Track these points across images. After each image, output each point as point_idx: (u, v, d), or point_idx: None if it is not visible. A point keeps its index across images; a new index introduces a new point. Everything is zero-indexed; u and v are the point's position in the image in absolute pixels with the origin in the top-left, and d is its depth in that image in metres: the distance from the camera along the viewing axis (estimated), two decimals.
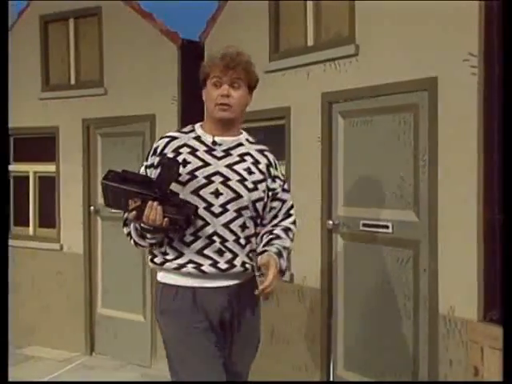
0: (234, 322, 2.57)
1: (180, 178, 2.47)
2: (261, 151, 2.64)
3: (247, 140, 2.64)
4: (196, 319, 2.49)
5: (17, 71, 5.98)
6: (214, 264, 2.48)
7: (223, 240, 2.49)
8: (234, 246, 2.51)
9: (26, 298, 6.00)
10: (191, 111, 5.09)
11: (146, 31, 5.23)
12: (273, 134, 4.33)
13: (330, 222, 4.03)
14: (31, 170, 6.07)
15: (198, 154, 2.53)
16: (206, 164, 2.51)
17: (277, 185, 2.63)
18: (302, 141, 4.20)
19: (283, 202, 2.66)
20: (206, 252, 2.48)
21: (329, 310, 4.09)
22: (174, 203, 2.41)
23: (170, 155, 2.52)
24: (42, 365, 5.53)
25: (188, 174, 2.49)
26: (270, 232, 2.61)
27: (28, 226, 6.14)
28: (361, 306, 3.90)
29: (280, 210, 2.65)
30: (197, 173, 2.50)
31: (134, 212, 2.38)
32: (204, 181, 2.48)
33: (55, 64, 5.87)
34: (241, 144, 2.60)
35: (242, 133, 2.67)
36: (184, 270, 2.48)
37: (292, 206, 2.70)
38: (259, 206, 2.57)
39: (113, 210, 2.59)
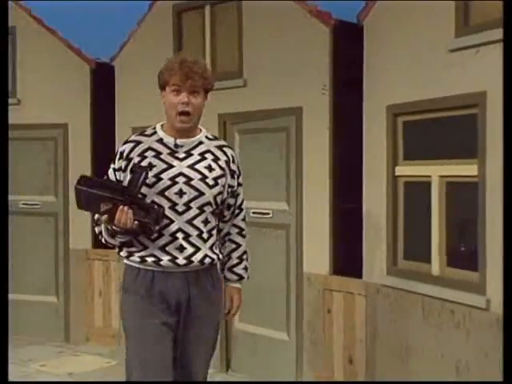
0: (190, 306, 2.64)
1: (147, 181, 2.57)
2: (220, 147, 2.74)
3: (206, 137, 2.74)
4: (152, 300, 2.62)
5: (149, 67, 5.38)
6: (173, 260, 2.61)
7: (187, 235, 2.62)
8: (196, 240, 2.63)
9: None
10: (345, 102, 4.28)
11: (292, 13, 4.42)
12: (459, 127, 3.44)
13: None
14: None
15: (162, 157, 2.63)
16: (170, 166, 2.62)
17: (235, 181, 2.76)
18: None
19: (237, 197, 2.80)
20: (167, 248, 2.61)
21: None
22: (143, 207, 2.53)
23: (136, 159, 2.63)
24: None
25: (154, 176, 2.61)
26: (230, 239, 2.85)
27: None
28: None
29: (235, 205, 2.80)
30: (162, 175, 2.62)
31: (106, 215, 2.52)
32: (169, 182, 2.60)
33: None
34: (201, 142, 2.70)
35: (201, 130, 2.76)
36: (145, 263, 2.63)
37: (243, 201, 2.87)
38: (219, 199, 2.69)
39: None
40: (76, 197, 2.54)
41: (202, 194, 2.62)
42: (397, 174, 3.82)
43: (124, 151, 2.67)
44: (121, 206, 2.47)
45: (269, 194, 4.66)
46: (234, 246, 2.86)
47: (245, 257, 2.91)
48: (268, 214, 4.66)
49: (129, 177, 2.58)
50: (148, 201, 2.60)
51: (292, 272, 4.49)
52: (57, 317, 5.90)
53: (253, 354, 4.80)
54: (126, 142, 2.69)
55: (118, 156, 2.68)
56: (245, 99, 4.74)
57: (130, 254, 2.66)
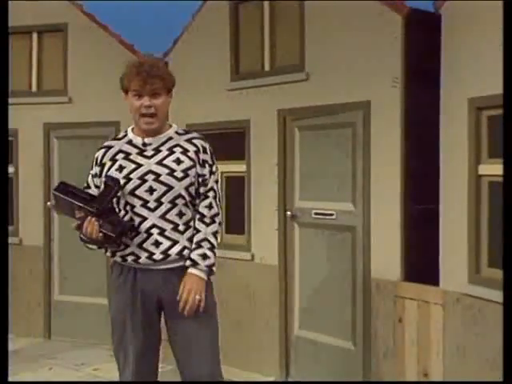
0: (173, 304, 2.64)
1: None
2: (189, 140, 2.75)
3: (176, 133, 2.76)
4: (134, 296, 2.68)
5: (204, 61, 5.09)
6: (150, 256, 2.66)
7: (161, 230, 2.65)
8: (172, 233, 2.66)
9: None
10: (418, 95, 3.90)
11: (361, 1, 4.07)
12: None
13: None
14: (220, 169, 5.07)
15: (131, 157, 2.68)
16: (139, 165, 2.66)
17: (206, 170, 2.71)
18: None
19: (207, 186, 2.72)
20: (144, 245, 2.66)
21: None
22: (110, 220, 2.56)
23: (108, 163, 2.71)
24: None
25: (124, 177, 2.67)
26: (194, 227, 2.71)
27: None
28: None
29: (203, 192, 2.72)
30: (131, 175, 2.66)
31: (76, 224, 2.61)
32: (138, 181, 2.65)
33: (247, 50, 4.87)
34: (170, 138, 2.72)
35: (171, 126, 2.78)
36: (127, 262, 2.71)
37: (211, 188, 2.74)
38: (192, 190, 2.68)
39: None
40: (54, 202, 2.70)
41: (171, 188, 2.65)
42: (480, 173, 3.44)
43: (98, 157, 2.78)
44: (89, 217, 2.56)
45: (332, 193, 4.31)
46: (193, 231, 2.72)
47: (204, 244, 2.69)
48: (331, 214, 4.30)
49: (102, 186, 2.67)
50: (122, 201, 2.68)
51: (358, 277, 4.12)
52: (109, 319, 5.64)
53: (314, 362, 4.46)
54: (100, 148, 2.79)
55: (93, 162, 2.79)
56: (307, 94, 4.39)
57: (113, 254, 2.75)
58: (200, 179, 2.69)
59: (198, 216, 2.71)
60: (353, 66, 4.12)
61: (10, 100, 5.88)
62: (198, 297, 2.62)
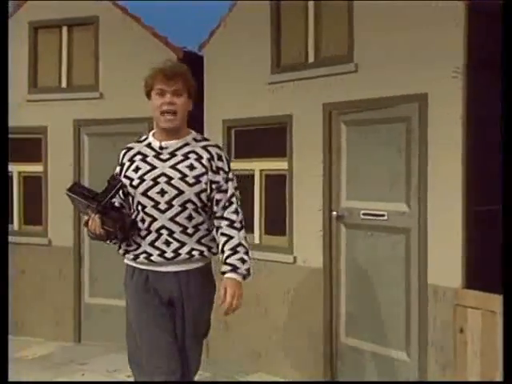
0: (183, 302, 2.73)
1: (133, 183, 2.73)
2: (205, 147, 2.77)
3: (194, 139, 2.79)
4: (148, 296, 2.74)
5: (241, 55, 4.76)
6: (162, 254, 2.71)
7: (170, 232, 2.70)
8: (181, 236, 2.71)
9: (251, 318, 4.73)
10: (482, 87, 3.53)
11: None
12: None
13: None
14: (257, 167, 4.77)
15: (147, 159, 2.75)
16: (153, 168, 2.73)
17: (220, 177, 2.73)
18: None
19: (226, 192, 2.74)
20: (156, 244, 2.72)
21: None
22: (111, 216, 2.67)
23: (127, 164, 2.79)
24: None
25: (139, 178, 2.74)
26: (221, 233, 2.74)
27: (250, 231, 4.85)
28: None
29: (224, 200, 2.74)
30: (145, 177, 2.73)
31: (84, 222, 2.75)
32: (151, 183, 2.71)
33: (289, 40, 4.52)
34: (187, 144, 2.76)
35: (190, 132, 2.82)
36: (138, 260, 2.76)
37: (233, 194, 2.77)
38: (203, 196, 2.72)
39: None
40: (70, 200, 2.79)
41: (181, 192, 2.69)
42: None
43: (119, 157, 2.86)
44: (92, 214, 2.65)
45: (384, 193, 3.96)
46: (225, 238, 2.75)
47: (240, 249, 2.74)
48: (382, 215, 3.96)
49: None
50: (135, 201, 2.74)
51: (413, 283, 3.77)
52: None
53: (362, 373, 4.12)
54: (122, 149, 2.87)
55: (118, 163, 2.87)
56: (355, 86, 4.04)
57: (126, 252, 2.80)
58: (213, 186, 2.73)
59: (225, 222, 2.75)
60: (407, 55, 3.76)
61: (39, 96, 5.68)
62: (239, 301, 2.71)
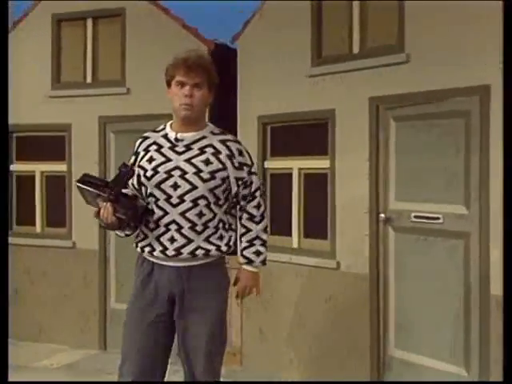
0: (184, 300, 2.65)
1: (147, 174, 2.65)
2: (223, 141, 2.67)
3: (212, 132, 2.69)
4: (147, 289, 2.68)
5: (277, 47, 4.43)
6: (163, 251, 2.65)
7: (179, 227, 2.63)
8: (188, 232, 2.63)
9: (288, 326, 4.41)
10: None
11: None
12: None
13: None
14: (295, 166, 4.44)
15: (162, 150, 2.67)
16: (168, 160, 2.65)
17: (244, 173, 2.68)
18: None
19: (251, 186, 2.71)
20: (161, 239, 2.65)
21: None
22: (123, 204, 2.59)
23: (142, 153, 2.71)
24: None
25: (152, 169, 2.65)
26: (241, 224, 2.76)
27: (287, 234, 4.54)
28: None
29: (249, 194, 2.72)
30: (159, 168, 2.64)
31: (95, 212, 2.63)
32: (164, 175, 2.63)
33: (331, 30, 4.18)
34: (203, 137, 2.66)
35: (207, 125, 2.73)
36: (144, 253, 2.72)
37: (258, 188, 2.75)
38: (218, 192, 2.63)
39: None
40: (79, 192, 2.68)
41: (195, 187, 2.61)
42: None
43: (135, 147, 2.77)
44: (103, 203, 2.56)
45: (438, 194, 3.62)
46: (243, 230, 2.76)
47: (256, 242, 2.77)
48: (437, 218, 3.61)
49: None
50: (148, 192, 2.66)
51: (473, 293, 3.42)
52: None
53: None
54: (138, 138, 2.79)
55: (133, 151, 2.79)
56: (406, 78, 3.70)
57: (136, 244, 2.75)
58: (239, 182, 2.68)
59: (246, 215, 2.75)
60: (465, 43, 3.42)
61: (63, 92, 5.37)
62: (254, 290, 2.81)
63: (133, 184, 2.70)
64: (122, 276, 5.10)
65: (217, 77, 2.70)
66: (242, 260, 2.78)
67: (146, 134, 2.78)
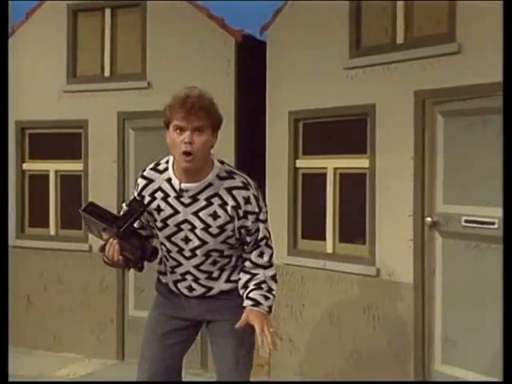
0: (215, 319, 2.58)
1: (157, 224, 2.52)
2: (229, 190, 2.46)
3: (218, 176, 2.47)
4: (167, 306, 2.62)
5: (310, 37, 4.12)
6: (187, 296, 2.58)
7: (195, 278, 2.54)
8: (207, 282, 2.55)
9: (322, 337, 4.08)
10: None
11: None
12: None
13: None
14: (330, 165, 4.09)
15: (169, 200, 2.49)
16: (176, 212, 2.48)
17: (249, 222, 2.48)
18: None
19: (255, 234, 2.51)
20: (178, 285, 2.58)
21: None
22: (131, 243, 2.42)
23: (147, 199, 2.51)
24: None
25: (161, 221, 2.52)
26: (245, 271, 2.54)
27: (321, 239, 4.21)
28: None
29: (253, 242, 2.52)
30: (168, 221, 2.50)
31: (100, 246, 2.49)
32: (175, 229, 2.49)
33: (371, 19, 3.85)
34: (210, 184, 2.46)
35: (213, 166, 2.48)
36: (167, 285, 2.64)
37: (264, 237, 2.53)
38: (230, 241, 2.51)
39: None
40: (83, 221, 2.57)
41: (205, 242, 2.49)
42: None
43: (139, 186, 2.57)
44: (111, 239, 2.42)
45: (492, 196, 3.28)
46: (248, 276, 2.54)
47: (264, 286, 2.52)
48: (492, 223, 3.29)
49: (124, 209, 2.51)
50: (158, 241, 2.56)
51: None
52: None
53: None
54: (141, 176, 2.58)
55: (136, 188, 2.59)
56: (457, 70, 3.38)
57: (158, 275, 2.70)
58: (242, 230, 2.48)
59: (250, 264, 2.53)
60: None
61: (79, 87, 5.05)
62: (271, 329, 2.40)
63: (141, 220, 2.54)
64: (142, 282, 4.77)
65: (220, 117, 2.45)
66: (247, 303, 2.49)
67: (148, 176, 2.53)
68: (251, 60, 4.53)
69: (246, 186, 2.48)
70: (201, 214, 2.45)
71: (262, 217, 2.50)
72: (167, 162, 2.53)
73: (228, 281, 2.56)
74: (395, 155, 3.67)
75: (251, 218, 2.46)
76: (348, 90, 3.89)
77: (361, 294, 3.87)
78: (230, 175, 2.48)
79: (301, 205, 4.23)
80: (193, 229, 2.46)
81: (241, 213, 2.45)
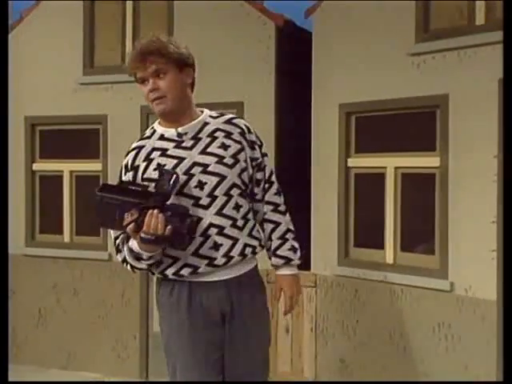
0: (235, 314, 2.26)
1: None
2: (228, 121, 2.29)
3: (211, 116, 2.30)
4: (192, 316, 2.23)
5: (368, 18, 3.54)
6: (211, 262, 2.20)
7: (220, 228, 2.21)
8: (232, 231, 2.23)
9: (385, 357, 3.51)
10: None
11: None
12: None
13: None
14: (390, 164, 3.53)
15: (169, 153, 2.24)
16: (181, 159, 2.22)
17: (257, 152, 2.32)
18: None
19: (265, 169, 2.34)
20: (201, 251, 2.20)
21: None
22: (176, 213, 2.08)
23: (143, 165, 2.24)
24: None
25: None
26: (265, 219, 2.34)
27: (377, 247, 3.63)
28: None
29: (264, 179, 2.34)
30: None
31: (132, 225, 2.05)
32: (184, 177, 2.19)
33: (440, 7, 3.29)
34: (206, 123, 2.26)
35: (203, 111, 2.31)
36: (180, 274, 2.21)
37: (272, 172, 2.37)
38: (245, 177, 2.27)
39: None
40: (96, 209, 2.10)
41: (223, 177, 2.20)
42: None
43: (128, 162, 2.28)
44: (150, 210, 2.04)
45: None
46: (272, 225, 2.34)
47: (288, 236, 2.35)
48: None
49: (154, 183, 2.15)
50: (168, 204, 2.13)
51: None
52: None
53: None
54: (128, 152, 2.30)
55: (122, 171, 2.30)
56: None
57: (163, 271, 2.24)
58: (253, 163, 2.29)
59: (270, 207, 2.34)
60: None
61: (97, 78, 4.38)
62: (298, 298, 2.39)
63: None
64: None
65: (183, 52, 2.20)
66: (277, 261, 2.33)
67: (137, 144, 2.30)
68: (294, 46, 3.95)
69: (241, 117, 2.43)
70: (209, 149, 2.23)
71: (264, 150, 2.36)
72: (152, 127, 2.34)
73: (251, 235, 2.27)
74: (474, 152, 3.11)
75: (258, 149, 2.31)
76: (413, 79, 3.32)
77: (430, 310, 3.30)
78: (222, 114, 2.33)
79: (353, 209, 3.66)
80: (205, 168, 2.20)
81: (248, 140, 2.28)
